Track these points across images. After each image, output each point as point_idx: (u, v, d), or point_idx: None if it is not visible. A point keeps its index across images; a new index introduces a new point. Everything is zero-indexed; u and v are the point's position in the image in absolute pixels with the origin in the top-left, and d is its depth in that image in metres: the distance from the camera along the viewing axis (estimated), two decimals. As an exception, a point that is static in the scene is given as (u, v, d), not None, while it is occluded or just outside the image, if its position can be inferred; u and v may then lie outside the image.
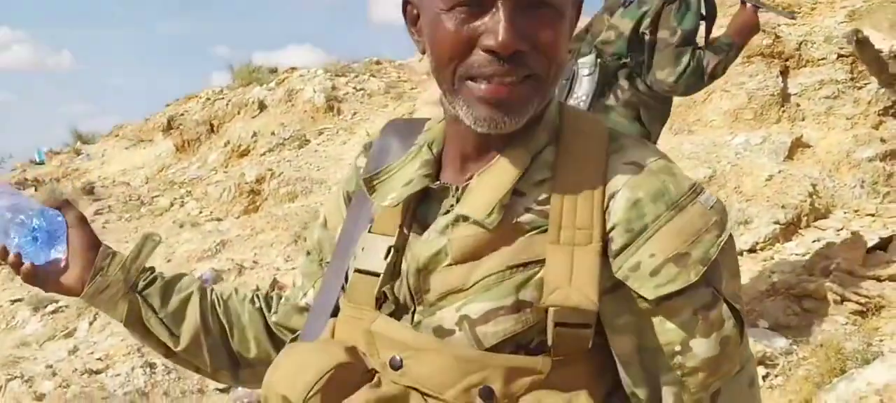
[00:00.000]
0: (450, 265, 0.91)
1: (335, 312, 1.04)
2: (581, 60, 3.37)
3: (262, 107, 11.19)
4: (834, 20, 8.06)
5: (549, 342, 0.88)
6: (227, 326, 1.19)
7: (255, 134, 10.13)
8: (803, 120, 6.69)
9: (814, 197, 5.66)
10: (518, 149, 0.93)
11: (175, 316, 1.18)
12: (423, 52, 0.96)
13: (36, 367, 5.00)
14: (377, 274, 0.97)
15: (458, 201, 0.94)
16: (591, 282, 0.85)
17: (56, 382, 4.68)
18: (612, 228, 0.88)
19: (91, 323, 5.92)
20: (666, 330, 0.87)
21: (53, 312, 6.33)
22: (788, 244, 5.24)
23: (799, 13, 8.36)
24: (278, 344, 1.18)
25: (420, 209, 0.98)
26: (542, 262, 0.88)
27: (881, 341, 3.57)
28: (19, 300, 6.86)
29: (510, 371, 0.88)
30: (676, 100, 7.08)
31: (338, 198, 1.15)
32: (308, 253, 1.18)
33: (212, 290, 1.22)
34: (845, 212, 5.70)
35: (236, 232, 7.36)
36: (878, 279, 4.11)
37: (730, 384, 0.90)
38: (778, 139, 6.38)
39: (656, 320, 0.88)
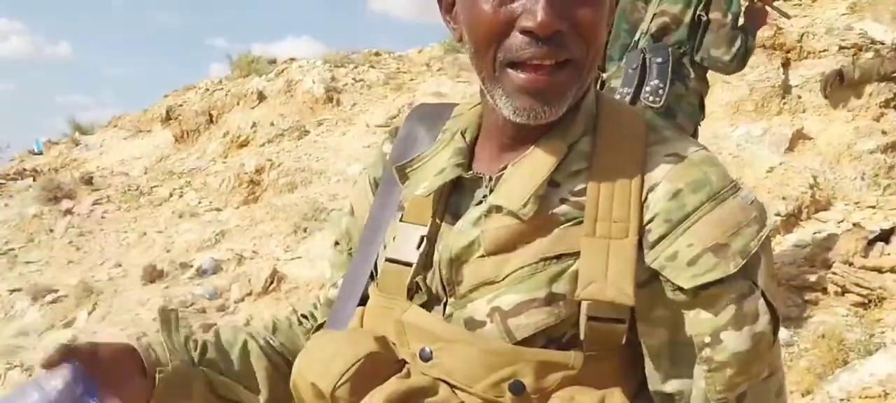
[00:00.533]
0: (482, 256, 0.90)
1: (363, 300, 1.03)
2: (650, 51, 3.49)
3: (261, 97, 11.16)
4: (835, 12, 8.04)
5: (582, 336, 0.87)
6: (292, 360, 1.16)
7: (254, 124, 10.10)
8: (804, 112, 6.67)
9: (815, 189, 5.65)
10: (554, 140, 0.91)
11: (243, 373, 1.10)
12: (460, 40, 0.93)
13: (35, 356, 5.00)
14: (409, 264, 0.95)
15: (491, 191, 0.92)
16: (626, 277, 0.83)
17: (55, 371, 4.67)
18: (651, 219, 0.86)
19: (90, 313, 5.91)
20: (698, 322, 0.84)
21: (52, 302, 6.32)
22: (789, 236, 5.23)
23: (801, 4, 8.35)
24: None
25: (452, 198, 0.96)
26: (576, 255, 0.86)
27: (883, 332, 3.57)
28: (18, 290, 6.86)
29: (541, 365, 0.86)
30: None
31: (364, 185, 1.12)
32: (336, 244, 1.15)
33: (254, 333, 1.15)
34: (846, 204, 5.69)
35: (236, 222, 7.36)
36: (880, 271, 4.10)
37: (757, 388, 0.87)
38: (779, 131, 6.37)
39: (691, 312, 0.85)
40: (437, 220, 0.96)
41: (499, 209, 0.89)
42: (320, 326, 1.13)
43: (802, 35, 7.12)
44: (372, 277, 1.03)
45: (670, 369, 0.88)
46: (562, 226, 0.88)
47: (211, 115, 11.57)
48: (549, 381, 0.86)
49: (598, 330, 0.86)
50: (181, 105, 12.87)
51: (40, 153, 14.11)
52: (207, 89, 12.75)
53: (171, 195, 9.13)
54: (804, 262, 4.50)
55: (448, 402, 0.87)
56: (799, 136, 6.39)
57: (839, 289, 4.13)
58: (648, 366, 0.90)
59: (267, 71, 12.46)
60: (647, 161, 0.88)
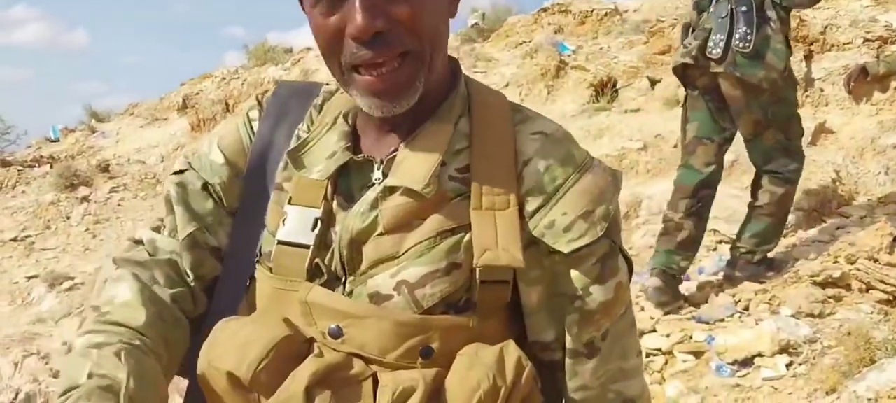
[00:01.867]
0: (381, 234, 0.95)
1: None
2: (735, 0, 3.85)
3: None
4: (859, 4, 7.91)
5: (476, 299, 0.95)
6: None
7: (270, 113, 10.10)
8: (827, 105, 6.57)
9: (837, 183, 5.57)
10: (440, 122, 0.97)
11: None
12: None
13: (52, 344, 5.01)
14: (306, 246, 0.97)
15: (384, 175, 0.97)
16: (514, 243, 0.92)
17: (72, 359, 4.68)
18: (528, 191, 0.95)
19: (106, 301, 5.94)
20: (572, 279, 0.96)
21: (69, 289, 6.35)
22: (811, 231, 5.15)
23: (824, -4, 8.24)
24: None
25: (341, 180, 0.99)
26: (467, 227, 0.94)
27: (910, 331, 3.50)
28: (35, 276, 6.90)
29: (447, 330, 0.94)
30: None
31: (239, 138, 1.09)
32: (206, 187, 1.08)
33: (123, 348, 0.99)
34: (869, 199, 5.60)
35: (251, 211, 7.36)
36: (905, 268, 4.03)
37: (616, 323, 1.00)
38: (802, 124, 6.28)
39: (565, 270, 0.96)
40: (329, 202, 0.99)
41: (396, 189, 0.94)
42: (200, 278, 1.07)
43: (826, 27, 7.01)
44: (257, 260, 1.03)
45: (548, 319, 0.99)
46: (451, 202, 0.95)
47: (227, 104, 11.59)
48: (453, 343, 0.94)
49: (489, 292, 0.95)
50: (197, 93, 12.90)
51: (57, 140, 14.20)
52: (224, 78, 12.78)
53: (187, 183, 9.14)
54: (827, 258, 4.43)
55: (363, 374, 0.91)
56: (821, 130, 6.30)
57: (863, 286, 4.05)
58: (529, 320, 0.99)
59: (283, 60, 12.47)
60: (517, 137, 0.98)
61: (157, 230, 1.12)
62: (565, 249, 0.94)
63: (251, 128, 1.10)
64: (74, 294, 6.27)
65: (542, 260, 0.96)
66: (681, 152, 4.47)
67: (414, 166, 0.95)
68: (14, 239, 8.07)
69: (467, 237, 0.94)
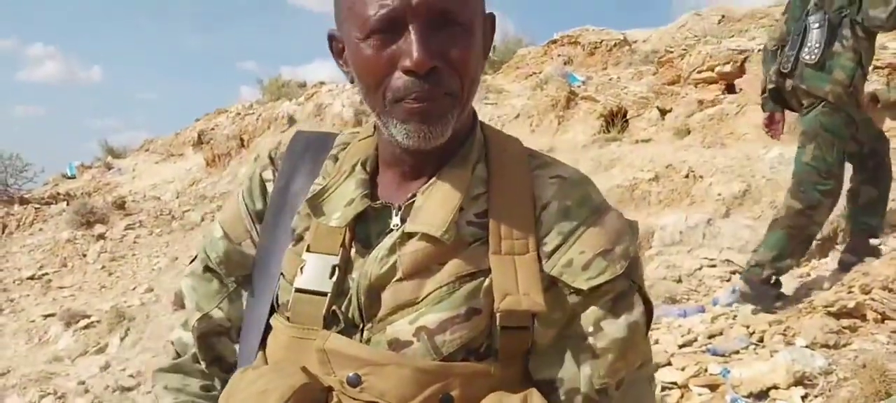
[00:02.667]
0: (400, 280, 0.95)
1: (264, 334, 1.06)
2: (811, 17, 4.03)
3: (291, 121, 11.26)
4: (869, 31, 7.93)
5: (497, 345, 0.94)
6: None
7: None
8: (839, 133, 6.57)
9: (851, 211, 5.54)
10: (458, 168, 0.99)
11: None
12: (352, 81, 0.99)
13: (68, 383, 5.04)
14: (323, 294, 0.97)
15: (402, 220, 0.97)
16: (535, 287, 0.92)
17: (88, 399, 4.70)
18: (546, 234, 0.95)
19: (122, 339, 5.96)
20: (586, 316, 0.94)
21: (85, 327, 6.39)
22: (825, 260, 5.13)
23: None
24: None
25: (359, 227, 1.00)
26: (486, 271, 0.94)
27: (926, 362, 3.47)
28: (52, 315, 6.95)
29: (468, 377, 0.93)
30: (709, 112, 7.00)
31: (239, 210, 1.13)
32: (207, 270, 1.13)
33: None
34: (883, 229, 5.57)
35: (266, 246, 7.40)
36: (921, 297, 4.00)
37: (633, 375, 0.97)
38: (813, 152, 6.27)
39: (581, 308, 0.94)
40: (347, 249, 0.99)
41: (412, 235, 0.95)
42: (216, 361, 1.13)
43: (836, 55, 7.02)
44: (271, 310, 1.04)
45: (554, 358, 0.96)
46: (470, 246, 0.95)
47: (242, 139, 11.70)
48: (474, 390, 0.92)
49: (510, 338, 0.94)
50: (212, 129, 13.02)
51: (73, 177, 14.35)
52: (238, 113, 12.91)
53: (202, 219, 9.20)
54: (841, 287, 4.41)
55: None
56: (833, 158, 6.29)
57: (879, 316, 4.02)
58: (536, 359, 0.97)
59: (297, 95, 12.59)
60: (535, 182, 0.99)
61: (186, 324, 1.17)
62: (585, 286, 0.93)
63: (264, 187, 1.12)
64: (90, 332, 6.30)
65: (563, 303, 0.95)
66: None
67: (432, 212, 0.95)
68: (31, 278, 8.15)
69: (487, 282, 0.93)
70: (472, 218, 0.97)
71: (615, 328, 0.93)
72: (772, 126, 4.74)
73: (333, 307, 0.97)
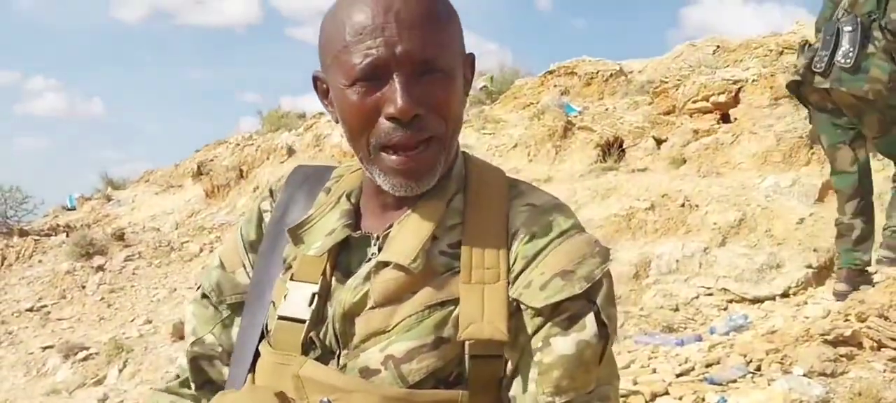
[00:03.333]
0: (372, 308, 0.97)
1: (254, 359, 1.09)
2: (842, 19, 4.19)
3: (290, 152, 11.30)
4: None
5: (466, 374, 0.95)
6: None
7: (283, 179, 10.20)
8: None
9: (846, 239, 5.57)
10: (434, 200, 1.00)
11: None
12: (337, 121, 1.02)
13: (66, 415, 5.02)
14: (302, 321, 1.00)
15: (379, 249, 1.00)
16: (500, 316, 0.93)
17: (86, 431, 4.69)
18: (513, 261, 0.96)
19: (121, 371, 5.96)
20: (538, 335, 0.94)
21: (83, 359, 6.39)
22: (821, 288, 5.15)
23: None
24: None
25: (342, 256, 1.03)
26: (456, 301, 0.95)
27: (922, 390, 3.48)
28: (50, 347, 6.94)
29: None
30: (704, 142, 7.05)
31: (236, 240, 1.18)
32: (204, 297, 1.17)
33: None
34: (878, 258, 5.59)
35: (264, 277, 7.40)
36: (916, 325, 4.01)
37: (581, 399, 0.94)
38: (808, 181, 6.31)
39: (537, 328, 0.94)
40: (328, 278, 1.02)
41: (387, 264, 0.97)
42: (206, 384, 1.17)
43: (829, 84, 7.08)
44: (262, 336, 1.07)
45: (510, 381, 0.96)
46: (441, 276, 0.97)
47: (241, 170, 11.73)
48: None
49: (480, 367, 0.95)
50: (212, 160, 13.07)
51: (73, 208, 14.36)
52: (238, 144, 12.96)
53: (201, 250, 9.22)
54: (837, 315, 4.42)
55: None
56: (828, 187, 6.32)
57: (875, 344, 4.04)
58: (505, 384, 0.97)
59: (296, 125, 12.64)
60: (510, 213, 1.00)
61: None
62: (539, 304, 0.92)
63: (261, 218, 1.17)
64: (89, 364, 6.30)
65: (525, 326, 0.95)
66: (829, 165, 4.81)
67: (403, 241, 0.97)
68: (30, 309, 8.15)
69: (456, 311, 0.95)
70: (445, 248, 0.99)
71: (563, 344, 0.92)
72: None
73: (311, 334, 1.00)
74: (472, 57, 1.05)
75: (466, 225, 1.00)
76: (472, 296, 0.94)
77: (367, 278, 0.98)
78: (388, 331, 0.96)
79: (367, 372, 0.95)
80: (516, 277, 0.96)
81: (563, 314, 0.93)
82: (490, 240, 0.98)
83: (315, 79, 1.06)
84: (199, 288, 1.19)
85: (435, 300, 0.96)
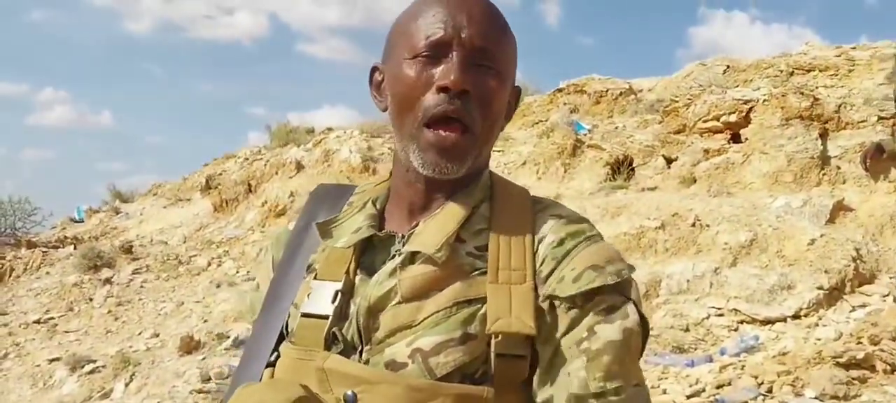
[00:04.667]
0: (399, 303, 0.99)
1: (271, 363, 1.10)
2: None
3: (299, 167, 11.33)
4: (873, 82, 7.98)
5: (492, 372, 0.96)
6: None
7: (292, 194, 10.23)
8: (844, 183, 6.59)
9: (858, 261, 5.54)
10: (460, 201, 1.04)
11: None
12: (385, 109, 1.07)
13: (73, 429, 5.01)
14: (325, 317, 1.02)
15: (404, 246, 1.03)
16: (527, 312, 0.96)
17: (93, 444, 4.67)
18: (542, 263, 0.99)
19: (127, 384, 5.94)
20: (580, 325, 0.95)
21: (90, 372, 6.37)
22: (832, 310, 5.12)
23: (837, 75, 8.31)
24: None
25: (365, 256, 1.05)
26: (483, 299, 0.97)
27: (936, 414, 3.44)
28: (57, 359, 6.93)
29: (459, 398, 0.95)
30: (715, 161, 7.04)
31: (267, 263, 1.21)
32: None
33: None
34: (891, 277, 5.56)
35: (272, 292, 7.39)
36: (930, 348, 3.98)
37: (631, 391, 0.95)
38: (819, 202, 6.29)
39: (576, 321, 0.95)
40: (351, 276, 1.04)
41: (413, 258, 1.00)
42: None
43: (840, 106, 7.07)
44: (282, 338, 1.09)
45: (546, 377, 0.97)
46: (469, 276, 1.00)
47: (250, 185, 11.76)
48: None
49: (506, 365, 0.96)
50: (220, 174, 13.10)
51: (81, 220, 14.40)
52: (246, 159, 12.98)
53: (209, 264, 9.22)
54: (850, 338, 4.39)
55: None
56: (839, 208, 6.30)
57: (888, 367, 4.01)
58: (535, 380, 0.98)
59: (305, 140, 12.68)
60: (536, 222, 1.04)
61: None
62: (574, 291, 0.94)
63: (288, 237, 1.19)
64: (95, 377, 6.29)
65: (558, 321, 0.96)
66: None
67: (429, 234, 1.01)
68: (37, 321, 8.15)
69: (483, 309, 0.97)
70: (472, 251, 1.01)
71: (610, 330, 0.94)
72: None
73: (334, 329, 1.01)
74: (518, 89, 1.11)
75: (493, 228, 1.03)
76: (499, 295, 0.97)
77: (393, 273, 1.00)
78: (415, 326, 0.97)
79: (394, 365, 0.97)
80: (547, 276, 0.98)
81: (600, 305, 0.95)
82: (516, 243, 1.01)
83: (373, 70, 1.11)
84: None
85: (463, 297, 0.98)
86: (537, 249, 1.01)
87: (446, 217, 1.02)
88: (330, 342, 1.01)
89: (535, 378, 0.98)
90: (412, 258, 1.00)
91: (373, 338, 0.99)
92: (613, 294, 0.95)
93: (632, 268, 1.00)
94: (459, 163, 1.00)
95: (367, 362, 0.98)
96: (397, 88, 1.02)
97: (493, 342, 0.95)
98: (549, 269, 0.98)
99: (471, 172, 1.05)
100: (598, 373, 0.93)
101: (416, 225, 1.04)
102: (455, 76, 0.97)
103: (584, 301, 0.95)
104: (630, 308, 0.96)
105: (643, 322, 0.97)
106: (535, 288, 0.98)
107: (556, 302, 0.96)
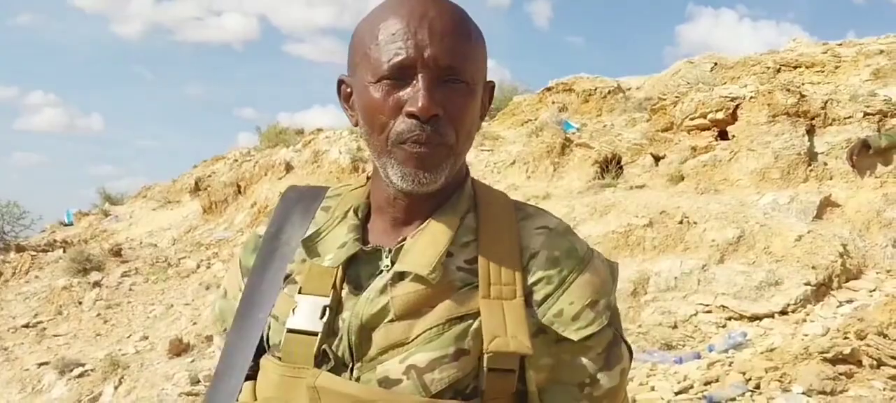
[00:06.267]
0: (392, 320, 0.98)
1: (249, 376, 1.09)
2: None
3: (288, 168, 11.30)
4: (859, 78, 8.03)
5: (483, 387, 0.98)
6: None
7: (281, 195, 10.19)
8: (831, 179, 6.62)
9: (845, 257, 5.57)
10: (447, 214, 1.04)
11: None
12: (356, 124, 1.06)
13: (61, 433, 4.99)
14: (313, 333, 1.00)
15: (392, 262, 1.02)
16: (522, 330, 0.97)
17: (81, 448, 4.65)
18: (535, 282, 1.00)
19: (116, 388, 5.92)
20: (580, 366, 1.00)
21: (79, 376, 6.35)
22: (819, 306, 5.14)
23: (823, 71, 8.35)
24: None
25: (351, 270, 1.04)
26: (476, 315, 0.98)
27: (921, 408, 3.47)
28: (46, 363, 6.90)
29: None
30: (702, 159, 7.06)
31: (236, 269, 1.19)
32: (224, 330, 1.18)
33: None
34: (878, 273, 5.59)
35: (262, 294, 7.37)
36: (916, 343, 4.00)
37: None
38: (806, 198, 6.32)
39: (573, 358, 1.00)
40: (338, 291, 1.03)
41: (403, 275, 0.99)
42: None
43: (826, 102, 7.11)
44: (260, 351, 1.07)
45: (547, 398, 1.01)
46: (460, 290, 1.00)
47: (239, 186, 11.72)
48: None
49: (496, 380, 0.98)
50: (210, 176, 13.06)
51: (71, 224, 14.34)
52: (236, 160, 12.95)
53: (198, 266, 9.19)
54: (837, 334, 4.41)
55: None
56: (827, 204, 6.33)
57: (874, 362, 4.03)
58: None
59: (294, 142, 12.65)
60: (521, 233, 1.05)
61: None
62: (575, 337, 0.98)
63: (258, 243, 1.16)
64: (84, 381, 6.26)
65: (550, 348, 0.99)
66: None
67: (420, 253, 1.00)
68: (26, 325, 8.11)
69: (475, 324, 0.97)
70: (462, 264, 1.01)
71: (609, 378, 1.01)
72: None
73: (324, 346, 1.00)
74: (492, 84, 1.10)
75: (481, 241, 1.03)
76: (493, 311, 0.98)
77: (384, 290, 1.00)
78: (409, 343, 0.97)
79: (387, 383, 0.97)
80: (542, 300, 1.00)
81: (597, 347, 1.01)
82: (505, 258, 1.01)
83: (340, 83, 1.09)
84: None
85: (455, 313, 0.98)
86: (527, 264, 1.01)
87: (435, 233, 1.02)
88: (320, 359, 1.00)
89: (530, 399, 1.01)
90: (402, 275, 0.99)
91: (365, 355, 0.98)
92: (606, 329, 1.01)
93: (615, 278, 1.07)
94: (436, 174, 1.00)
95: (358, 379, 0.98)
96: (366, 112, 1.01)
97: (485, 357, 0.96)
98: (544, 293, 1.00)
99: (451, 181, 1.04)
100: None
101: (404, 240, 1.03)
102: (423, 103, 0.95)
103: (583, 341, 0.99)
104: (623, 349, 1.03)
105: (629, 351, 1.05)
106: (527, 304, 0.99)
107: (551, 333, 0.99)
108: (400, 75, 0.97)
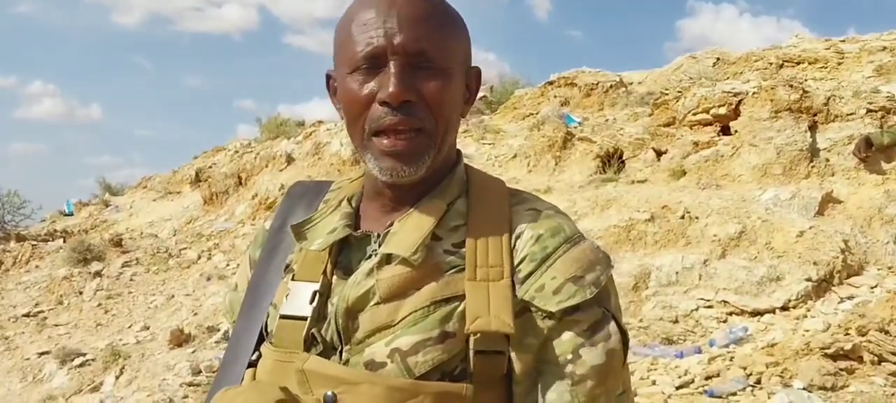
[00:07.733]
0: (378, 303, 0.99)
1: (252, 363, 1.10)
2: None
3: (289, 160, 11.30)
4: (861, 75, 8.02)
5: (471, 369, 0.97)
6: None
7: (282, 186, 10.19)
8: (833, 175, 6.62)
9: (846, 253, 5.57)
10: (434, 199, 1.04)
11: None
12: (342, 117, 1.06)
13: (62, 422, 5.00)
14: (304, 318, 1.02)
15: (380, 245, 1.03)
16: (506, 310, 0.96)
17: (82, 437, 4.66)
18: (520, 261, 0.99)
19: (117, 377, 5.93)
20: (561, 342, 0.97)
21: (80, 365, 6.35)
22: (821, 301, 5.15)
23: (826, 67, 8.34)
24: None
25: (342, 256, 1.06)
26: (462, 297, 0.98)
27: (922, 404, 3.47)
28: (46, 353, 6.91)
29: (439, 396, 0.96)
30: (704, 154, 7.05)
31: (245, 264, 1.21)
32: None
33: None
34: (879, 269, 5.60)
35: (262, 285, 7.37)
36: (917, 339, 4.01)
37: (611, 400, 0.99)
38: (808, 194, 6.31)
39: (555, 333, 0.97)
40: (328, 277, 1.05)
41: (390, 258, 1.00)
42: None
43: (829, 98, 7.10)
44: (262, 339, 1.09)
45: (533, 387, 0.99)
46: (446, 274, 1.00)
47: (240, 177, 11.72)
48: None
49: (484, 361, 0.97)
50: (210, 167, 13.06)
51: (71, 214, 14.35)
52: (237, 151, 12.95)
53: (199, 257, 9.20)
54: (838, 329, 4.42)
55: None
56: (828, 200, 6.33)
57: (875, 358, 4.03)
58: (516, 388, 1.00)
59: (295, 133, 12.65)
60: (513, 217, 1.04)
61: None
62: (554, 308, 0.96)
63: (265, 236, 1.19)
64: (85, 370, 6.27)
65: (536, 327, 0.97)
66: None
67: (405, 236, 1.00)
68: (27, 315, 8.12)
69: (461, 307, 0.97)
70: (449, 248, 1.01)
71: (593, 355, 0.96)
72: None
73: (313, 330, 1.01)
74: (477, 70, 1.10)
75: (470, 225, 1.03)
76: (477, 293, 0.97)
77: (371, 273, 1.01)
78: (394, 326, 0.98)
79: (372, 365, 0.97)
80: (525, 278, 0.98)
81: (582, 322, 0.97)
82: (493, 240, 1.01)
83: (328, 78, 1.10)
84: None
85: (440, 296, 0.98)
86: (515, 245, 1.01)
87: (421, 217, 1.02)
88: (309, 343, 1.01)
89: (516, 385, 0.99)
90: (389, 258, 1.00)
91: (352, 339, 0.99)
92: (593, 306, 0.98)
93: (609, 265, 1.02)
94: (416, 164, 1.00)
95: (346, 362, 0.99)
96: (344, 102, 1.02)
97: (471, 339, 0.96)
98: (528, 270, 0.99)
99: (438, 168, 1.05)
100: (581, 397, 0.96)
101: (392, 225, 1.03)
102: (393, 89, 0.96)
103: (564, 313, 0.96)
104: (612, 327, 0.99)
105: (624, 334, 1.00)
106: (513, 285, 0.98)
107: (533, 309, 0.97)
108: (372, 64, 0.98)
